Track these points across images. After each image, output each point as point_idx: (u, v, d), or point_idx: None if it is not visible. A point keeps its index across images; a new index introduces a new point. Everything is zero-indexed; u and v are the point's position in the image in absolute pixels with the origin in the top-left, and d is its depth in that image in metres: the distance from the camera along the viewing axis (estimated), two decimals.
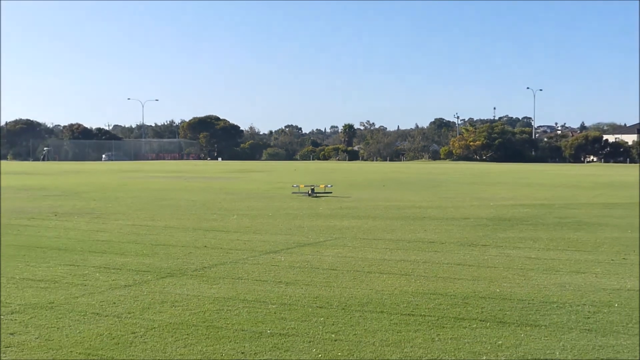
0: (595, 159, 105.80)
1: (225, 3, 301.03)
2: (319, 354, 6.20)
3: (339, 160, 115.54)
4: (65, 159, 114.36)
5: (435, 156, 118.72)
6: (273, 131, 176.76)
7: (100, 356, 6.13)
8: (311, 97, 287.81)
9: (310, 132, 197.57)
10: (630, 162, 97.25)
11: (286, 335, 6.73)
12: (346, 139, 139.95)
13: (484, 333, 6.85)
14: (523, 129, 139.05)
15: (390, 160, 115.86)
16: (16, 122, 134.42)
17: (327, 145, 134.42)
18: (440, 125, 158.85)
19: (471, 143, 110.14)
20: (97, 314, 7.56)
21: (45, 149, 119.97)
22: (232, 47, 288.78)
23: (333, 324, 7.14)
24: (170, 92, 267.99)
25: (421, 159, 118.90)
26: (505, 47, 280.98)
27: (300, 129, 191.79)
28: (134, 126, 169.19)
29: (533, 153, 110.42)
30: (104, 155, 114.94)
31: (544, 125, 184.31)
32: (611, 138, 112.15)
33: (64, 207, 20.74)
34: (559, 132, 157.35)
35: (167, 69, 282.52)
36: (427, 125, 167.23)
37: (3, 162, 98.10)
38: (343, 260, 11.13)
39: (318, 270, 10.27)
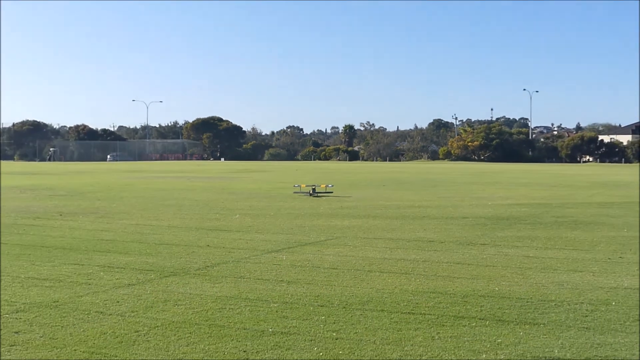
0: (591, 159, 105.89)
1: (229, 4, 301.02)
2: (320, 352, 6.27)
3: (339, 160, 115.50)
4: (71, 159, 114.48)
5: (434, 156, 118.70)
6: (275, 132, 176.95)
7: (103, 354, 6.18)
8: (312, 99, 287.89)
9: (311, 133, 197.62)
10: (625, 162, 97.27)
11: (288, 334, 6.80)
12: (346, 139, 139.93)
13: (484, 331, 6.91)
14: (520, 129, 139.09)
15: (389, 160, 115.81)
16: (23, 123, 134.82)
17: (327, 146, 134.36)
18: (439, 126, 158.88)
19: (469, 143, 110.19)
20: (101, 312, 7.63)
21: (51, 149, 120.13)
22: (234, 49, 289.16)
23: (334, 323, 7.21)
24: (174, 93, 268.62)
25: (420, 159, 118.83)
26: (502, 49, 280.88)
27: (302, 129, 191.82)
28: (138, 127, 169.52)
29: (530, 153, 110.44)
30: (108, 156, 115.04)
31: (540, 126, 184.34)
32: (606, 138, 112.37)
33: (69, 206, 20.82)
34: (555, 132, 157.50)
35: (171, 70, 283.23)
36: (426, 126, 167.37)
37: (10, 162, 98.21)
38: (344, 259, 11.20)
39: (319, 269, 10.34)
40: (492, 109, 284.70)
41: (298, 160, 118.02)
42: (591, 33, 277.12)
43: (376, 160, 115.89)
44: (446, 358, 6.11)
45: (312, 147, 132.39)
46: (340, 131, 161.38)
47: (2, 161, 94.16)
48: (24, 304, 7.98)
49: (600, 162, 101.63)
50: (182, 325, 7.10)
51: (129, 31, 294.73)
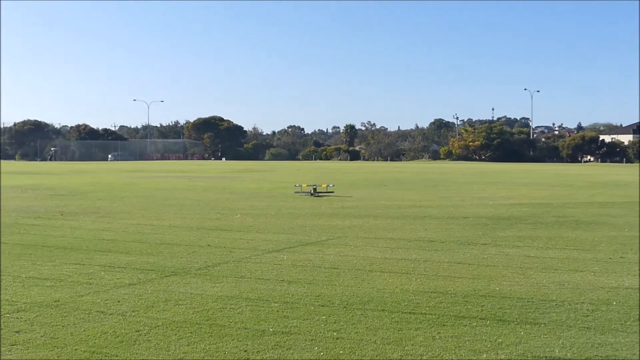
0: (592, 159, 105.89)
1: (230, 4, 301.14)
2: (321, 352, 6.27)
3: (340, 160, 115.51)
4: (72, 159, 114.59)
5: (435, 156, 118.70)
6: (276, 132, 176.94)
7: (104, 354, 6.19)
8: (313, 98, 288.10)
9: (312, 133, 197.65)
10: (626, 162, 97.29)
11: (288, 334, 6.80)
12: (348, 139, 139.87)
13: (484, 331, 6.92)
14: (521, 129, 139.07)
15: (390, 160, 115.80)
16: (24, 122, 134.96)
17: (329, 146, 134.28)
18: (440, 125, 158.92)
19: (470, 143, 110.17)
20: (102, 312, 7.64)
21: (52, 149, 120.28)
22: (236, 48, 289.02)
23: (335, 322, 7.22)
24: (175, 93, 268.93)
25: (421, 159, 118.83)
26: (503, 49, 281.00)
27: (303, 129, 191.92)
28: (139, 127, 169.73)
29: (531, 153, 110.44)
30: (109, 156, 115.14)
31: (541, 126, 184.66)
32: (607, 138, 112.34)
33: (70, 206, 20.84)
34: (557, 132, 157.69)
35: (172, 70, 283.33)
36: (427, 125, 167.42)
37: (11, 162, 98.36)
38: (345, 259, 11.21)
39: (320, 269, 10.35)
40: (493, 109, 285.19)
41: (299, 160, 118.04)
42: (592, 33, 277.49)
43: (377, 160, 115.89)
44: (447, 358, 6.11)
45: (313, 146, 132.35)
46: (341, 131, 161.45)
47: (3, 161, 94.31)
48: (24, 304, 7.99)
49: (602, 162, 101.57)
50: (183, 324, 7.11)
51: (130, 31, 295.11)
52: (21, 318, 7.36)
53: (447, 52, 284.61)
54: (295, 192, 26.62)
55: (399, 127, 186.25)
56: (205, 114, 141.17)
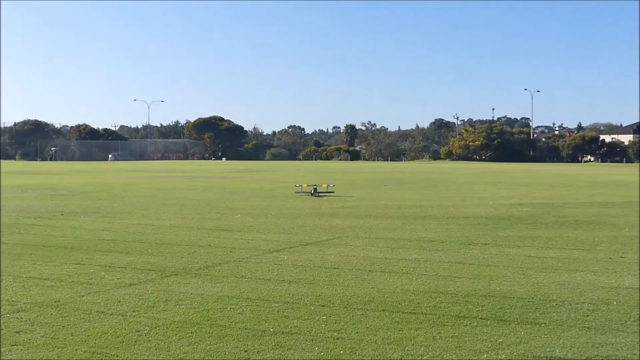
0: (592, 159, 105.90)
1: (230, 4, 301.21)
2: (322, 352, 6.27)
3: (340, 160, 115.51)
4: (72, 159, 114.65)
5: (435, 156, 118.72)
6: (276, 132, 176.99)
7: (104, 354, 6.19)
8: (314, 99, 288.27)
9: (312, 133, 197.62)
10: (626, 162, 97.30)
11: (289, 334, 6.80)
12: (348, 139, 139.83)
13: (485, 331, 6.92)
14: (521, 129, 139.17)
15: (391, 160, 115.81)
16: (25, 122, 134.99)
17: (329, 146, 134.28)
18: (440, 125, 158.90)
19: (470, 143, 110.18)
20: (102, 312, 7.64)
21: (52, 149, 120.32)
22: (236, 48, 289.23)
23: (335, 322, 7.22)
24: (176, 93, 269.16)
25: (422, 158, 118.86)
26: (503, 49, 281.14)
27: (303, 129, 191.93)
28: (139, 127, 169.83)
29: (531, 153, 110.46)
30: (110, 155, 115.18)
31: (541, 126, 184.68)
32: (608, 138, 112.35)
33: (70, 206, 20.85)
34: (557, 132, 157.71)
35: (173, 70, 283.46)
36: (428, 125, 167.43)
37: (11, 162, 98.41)
38: (345, 259, 11.21)
39: (320, 269, 10.34)
40: (493, 109, 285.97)
41: (299, 160, 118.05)
42: (592, 33, 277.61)
43: (377, 160, 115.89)
44: (447, 358, 6.11)
45: (313, 146, 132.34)
46: (341, 131, 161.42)
47: (4, 161, 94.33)
48: (25, 304, 7.99)
49: (602, 161, 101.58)
50: (184, 325, 7.11)
51: (130, 31, 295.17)
52: (21, 318, 7.36)
53: (447, 52, 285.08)
54: (296, 192, 26.62)
55: (399, 127, 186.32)
56: (206, 114, 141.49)
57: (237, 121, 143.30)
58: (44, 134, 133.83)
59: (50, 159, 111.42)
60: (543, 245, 13.01)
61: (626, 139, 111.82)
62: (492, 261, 11.08)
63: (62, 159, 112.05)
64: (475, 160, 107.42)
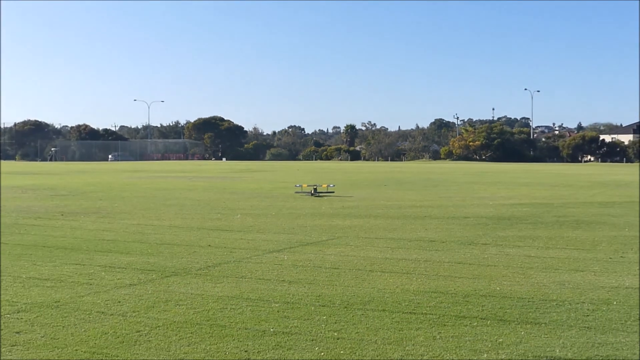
0: (592, 159, 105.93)
1: (230, 4, 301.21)
2: (322, 352, 6.27)
3: (341, 160, 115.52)
4: (73, 159, 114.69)
5: (435, 156, 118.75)
6: (276, 132, 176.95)
7: (105, 355, 6.19)
8: (314, 99, 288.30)
9: (312, 133, 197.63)
10: (626, 162, 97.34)
11: (289, 334, 6.80)
12: (348, 139, 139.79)
13: (485, 331, 6.92)
14: (521, 129, 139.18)
15: (391, 160, 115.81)
16: (25, 123, 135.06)
17: (329, 146, 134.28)
18: (440, 125, 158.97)
19: (471, 143, 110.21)
20: (102, 312, 7.64)
21: (52, 149, 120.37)
22: (236, 48, 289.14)
23: (335, 323, 7.22)
24: (176, 93, 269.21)
25: (422, 158, 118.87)
26: (504, 49, 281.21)
27: (303, 129, 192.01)
28: (139, 127, 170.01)
29: (531, 153, 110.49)
30: (110, 156, 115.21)
31: (542, 126, 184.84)
32: (608, 138, 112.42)
33: (70, 206, 20.85)
34: (557, 132, 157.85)
35: (173, 70, 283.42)
36: (428, 125, 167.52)
37: (11, 162, 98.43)
38: (345, 259, 11.21)
39: (320, 269, 10.35)
40: (493, 109, 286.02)
41: (299, 160, 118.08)
42: (592, 33, 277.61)
43: (377, 160, 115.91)
44: (447, 358, 6.11)
45: (313, 147, 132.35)
46: (341, 131, 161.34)
47: (4, 161, 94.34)
48: (25, 304, 7.99)
49: (602, 161, 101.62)
50: (184, 325, 7.11)
51: (130, 31, 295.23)
52: (21, 319, 7.36)
53: (447, 52, 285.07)
54: (296, 192, 26.63)
55: (399, 127, 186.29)
56: (206, 114, 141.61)
57: (237, 121, 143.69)
58: (44, 134, 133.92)
59: (51, 160, 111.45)
60: (543, 245, 13.01)
61: (626, 138, 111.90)
62: (492, 261, 11.08)
63: (62, 160, 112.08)
64: (476, 160, 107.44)
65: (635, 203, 22.41)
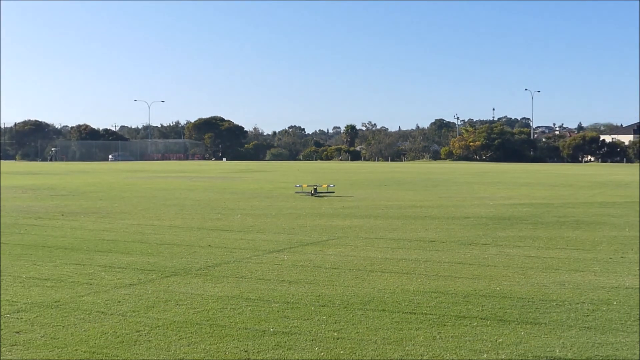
0: (592, 159, 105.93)
1: (230, 4, 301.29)
2: (322, 352, 6.27)
3: (341, 160, 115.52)
4: (73, 159, 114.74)
5: (435, 156, 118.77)
6: (277, 132, 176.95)
7: (104, 354, 6.19)
8: (314, 99, 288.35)
9: (313, 133, 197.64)
10: (626, 162, 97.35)
11: (289, 334, 6.80)
12: (348, 139, 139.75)
13: (485, 331, 6.92)
14: (522, 129, 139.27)
15: (391, 160, 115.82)
16: (25, 123, 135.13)
17: (329, 146, 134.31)
18: (441, 126, 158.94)
19: (471, 143, 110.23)
20: (102, 312, 7.64)
21: (52, 149, 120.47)
22: (236, 48, 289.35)
23: (335, 323, 7.22)
24: (176, 93, 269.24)
25: (422, 159, 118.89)
26: (504, 49, 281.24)
27: (304, 129, 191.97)
28: (140, 127, 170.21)
29: (532, 153, 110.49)
30: (110, 156, 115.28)
31: (542, 126, 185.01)
32: (608, 138, 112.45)
33: (70, 206, 20.85)
34: (557, 132, 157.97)
35: (173, 70, 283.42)
36: (428, 126, 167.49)
37: (12, 162, 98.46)
38: (345, 259, 11.21)
39: (320, 269, 10.35)
40: (493, 109, 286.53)
41: (300, 160, 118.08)
42: (592, 33, 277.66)
43: (378, 160, 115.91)
44: (447, 358, 6.11)
45: (313, 147, 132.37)
46: (342, 131, 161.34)
47: (4, 161, 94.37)
48: (25, 304, 7.99)
49: (602, 162, 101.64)
50: (184, 325, 7.11)
51: (130, 31, 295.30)
52: (21, 318, 7.36)
53: (447, 52, 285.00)
54: (296, 193, 26.63)
55: (399, 127, 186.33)
56: (206, 114, 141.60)
57: (237, 121, 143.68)
58: (44, 134, 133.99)
59: (51, 160, 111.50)
60: (543, 245, 13.01)
61: (626, 139, 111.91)
62: (492, 261, 11.08)
63: (62, 160, 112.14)
64: (476, 160, 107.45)
65: (635, 203, 22.41)
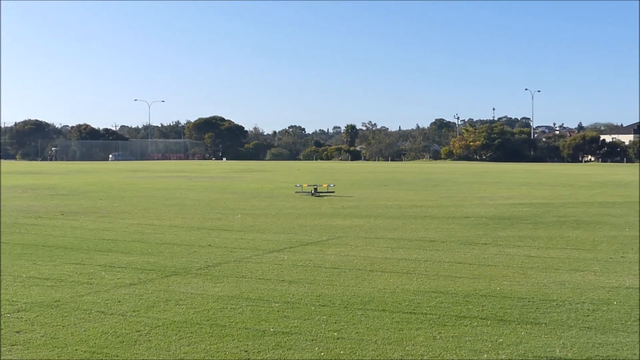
0: (592, 159, 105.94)
1: (230, 4, 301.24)
2: (322, 352, 6.27)
3: (341, 160, 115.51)
4: (73, 158, 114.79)
5: (436, 156, 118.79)
6: (277, 132, 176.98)
7: (105, 354, 6.19)
8: (314, 99, 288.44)
9: (313, 133, 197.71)
10: (627, 162, 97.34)
11: (289, 334, 6.80)
12: (348, 139, 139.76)
13: (485, 331, 6.91)
14: (522, 129, 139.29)
15: (391, 160, 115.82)
16: (25, 122, 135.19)
17: (329, 146, 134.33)
18: (441, 125, 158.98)
19: (471, 143, 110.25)
20: (102, 312, 7.63)
21: (53, 149, 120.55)
22: (237, 48, 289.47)
23: (335, 322, 7.22)
24: (176, 93, 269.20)
25: (422, 158, 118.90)
26: (504, 49, 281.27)
27: (304, 129, 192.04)
28: (140, 127, 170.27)
29: (532, 153, 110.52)
30: (110, 155, 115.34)
31: (542, 126, 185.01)
32: (608, 138, 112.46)
33: (70, 206, 20.85)
34: (557, 132, 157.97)
35: (173, 70, 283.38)
36: (428, 125, 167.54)
37: (12, 161, 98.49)
38: (345, 259, 11.21)
39: (321, 269, 10.34)
40: (494, 109, 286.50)
41: (300, 160, 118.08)
42: (592, 33, 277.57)
43: (378, 160, 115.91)
44: (448, 358, 6.11)
45: (314, 146, 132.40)
46: (342, 131, 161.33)
47: (4, 161, 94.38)
48: (25, 304, 7.99)
49: (602, 161, 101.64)
50: (184, 325, 7.11)
51: (131, 31, 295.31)
52: (21, 318, 7.36)
53: (447, 52, 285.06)
54: (296, 192, 26.63)
55: (399, 127, 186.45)
56: (206, 114, 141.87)
57: (237, 121, 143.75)
58: (44, 134, 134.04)
59: (51, 159, 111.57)
60: (543, 245, 13.01)
61: (627, 139, 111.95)
62: (492, 261, 11.07)
63: (62, 159, 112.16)
64: (476, 160, 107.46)
65: (635, 203, 22.41)
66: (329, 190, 26.49)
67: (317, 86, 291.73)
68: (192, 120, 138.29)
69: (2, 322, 7.16)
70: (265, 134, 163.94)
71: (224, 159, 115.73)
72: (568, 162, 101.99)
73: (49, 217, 17.75)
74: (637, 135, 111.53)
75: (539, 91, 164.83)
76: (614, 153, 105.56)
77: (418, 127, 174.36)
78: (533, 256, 11.61)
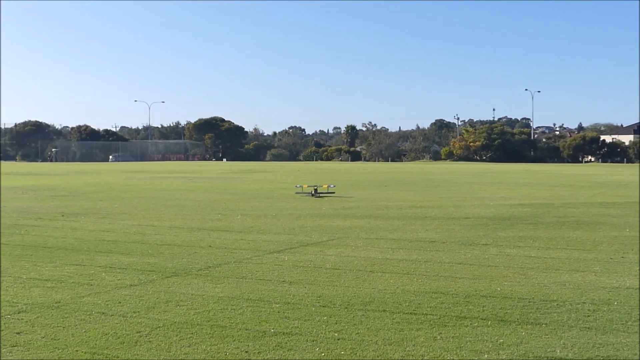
0: (592, 159, 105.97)
1: (230, 4, 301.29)
2: (322, 352, 6.27)
3: (341, 160, 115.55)
4: (73, 159, 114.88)
5: (436, 157, 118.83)
6: (277, 132, 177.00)
7: (105, 355, 6.19)
8: (314, 99, 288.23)
9: (313, 134, 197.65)
10: (627, 162, 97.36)
11: (289, 334, 6.80)
12: (348, 140, 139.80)
13: (486, 331, 6.92)
14: (522, 129, 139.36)
15: (391, 160, 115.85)
16: (25, 123, 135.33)
17: (329, 146, 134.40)
18: (441, 126, 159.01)
19: (471, 144, 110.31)
20: (103, 313, 7.64)
21: (53, 150, 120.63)
22: (237, 49, 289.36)
23: (336, 323, 7.22)
24: (176, 94, 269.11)
25: (422, 159, 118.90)
26: (504, 49, 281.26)
27: (304, 130, 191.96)
28: (140, 127, 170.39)
29: (532, 153, 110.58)
30: (110, 156, 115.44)
31: (542, 126, 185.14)
32: (608, 138, 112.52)
33: (71, 207, 20.85)
34: (557, 132, 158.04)
35: (173, 71, 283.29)
36: (428, 126, 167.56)
37: (12, 163, 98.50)
38: (346, 260, 11.21)
39: (321, 269, 10.34)
40: (494, 109, 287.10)
41: (300, 160, 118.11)
42: (592, 33, 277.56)
43: (378, 161, 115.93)
44: (448, 358, 6.11)
45: (314, 147, 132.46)
46: (342, 131, 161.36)
47: (4, 162, 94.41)
48: (25, 305, 7.99)
49: (602, 162, 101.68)
50: (184, 325, 7.11)
51: (131, 31, 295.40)
52: (22, 319, 7.36)
53: (447, 52, 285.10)
54: (296, 193, 26.64)
55: (399, 127, 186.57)
56: (206, 115, 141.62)
57: (237, 122, 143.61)
58: (44, 135, 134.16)
59: (51, 160, 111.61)
60: (544, 245, 13.01)
61: (627, 139, 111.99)
62: (492, 262, 11.08)
63: (62, 160, 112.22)
64: (476, 160, 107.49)
65: (635, 203, 22.41)
66: (329, 191, 26.50)
67: (317, 86, 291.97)
68: (192, 121, 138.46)
69: (2, 324, 7.16)
70: (265, 134, 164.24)
71: (224, 159, 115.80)
72: (568, 162, 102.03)
73: (49, 218, 17.76)
74: (637, 136, 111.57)
75: (538, 91, 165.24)
76: (614, 153, 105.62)
77: (418, 127, 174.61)
78: (533, 257, 11.61)
